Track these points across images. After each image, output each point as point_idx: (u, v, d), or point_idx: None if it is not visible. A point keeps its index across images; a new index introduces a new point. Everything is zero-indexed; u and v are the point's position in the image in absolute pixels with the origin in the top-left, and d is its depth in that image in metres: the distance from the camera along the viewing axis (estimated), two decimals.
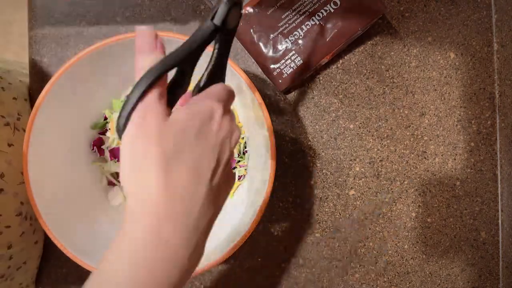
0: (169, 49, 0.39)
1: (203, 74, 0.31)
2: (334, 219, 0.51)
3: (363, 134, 0.51)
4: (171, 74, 0.27)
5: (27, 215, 0.43)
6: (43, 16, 0.50)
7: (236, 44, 0.50)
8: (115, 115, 0.47)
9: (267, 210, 0.51)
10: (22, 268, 0.44)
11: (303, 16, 0.47)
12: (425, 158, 0.51)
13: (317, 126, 0.51)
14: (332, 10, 0.47)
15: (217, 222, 0.46)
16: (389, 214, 0.51)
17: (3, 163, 0.40)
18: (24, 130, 0.44)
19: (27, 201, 0.43)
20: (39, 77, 0.50)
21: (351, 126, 0.51)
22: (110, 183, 0.49)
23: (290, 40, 0.47)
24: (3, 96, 0.44)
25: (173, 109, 0.27)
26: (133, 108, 0.25)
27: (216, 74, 0.31)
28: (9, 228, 0.40)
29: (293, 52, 0.47)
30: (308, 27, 0.47)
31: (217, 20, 0.28)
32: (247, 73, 0.49)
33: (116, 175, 0.49)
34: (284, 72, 0.48)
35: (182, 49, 0.27)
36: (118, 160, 0.48)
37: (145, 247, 0.24)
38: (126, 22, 0.50)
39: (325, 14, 0.47)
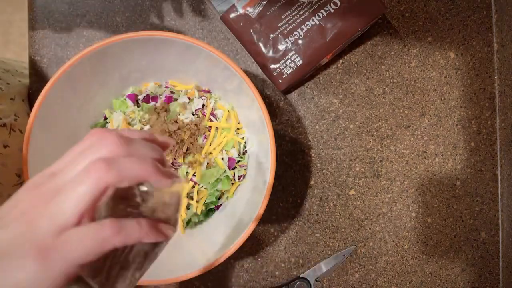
0: (169, 50, 0.39)
1: None
2: (334, 219, 0.51)
3: (363, 134, 0.51)
4: None
5: None
6: (43, 16, 0.50)
7: (236, 44, 0.51)
8: (115, 115, 0.47)
9: (267, 210, 0.51)
10: None
11: (303, 17, 0.47)
12: (425, 158, 0.51)
13: (317, 126, 0.51)
14: (332, 11, 0.47)
15: (217, 222, 0.46)
16: (389, 214, 0.51)
17: None
18: (21, 131, 0.44)
19: None
20: (39, 77, 0.50)
21: (351, 126, 0.51)
22: None
23: (290, 40, 0.47)
24: (0, 97, 0.44)
25: None
26: None
27: None
28: None
29: (293, 52, 0.47)
30: (308, 27, 0.47)
31: None
32: (247, 73, 0.49)
33: None
34: (284, 72, 0.48)
35: None
36: None
37: None
38: (127, 22, 0.50)
39: (325, 14, 0.47)
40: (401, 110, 0.51)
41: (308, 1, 0.47)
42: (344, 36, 0.47)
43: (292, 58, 0.47)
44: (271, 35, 0.47)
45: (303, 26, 0.47)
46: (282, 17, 0.47)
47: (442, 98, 0.51)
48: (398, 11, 0.51)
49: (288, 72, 0.47)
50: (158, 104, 0.46)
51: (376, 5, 0.47)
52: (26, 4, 0.51)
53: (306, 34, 0.47)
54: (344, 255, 0.50)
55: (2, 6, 1.25)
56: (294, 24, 0.47)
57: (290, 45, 0.47)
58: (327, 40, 0.47)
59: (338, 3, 0.47)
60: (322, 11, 0.47)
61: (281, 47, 0.47)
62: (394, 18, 0.51)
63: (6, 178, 0.41)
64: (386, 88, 0.51)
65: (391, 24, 0.51)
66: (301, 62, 0.47)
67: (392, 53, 0.51)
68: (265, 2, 0.47)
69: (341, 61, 0.51)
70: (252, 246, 0.51)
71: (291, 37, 0.47)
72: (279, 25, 0.47)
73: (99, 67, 0.41)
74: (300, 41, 0.47)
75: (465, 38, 0.51)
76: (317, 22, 0.47)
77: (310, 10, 0.47)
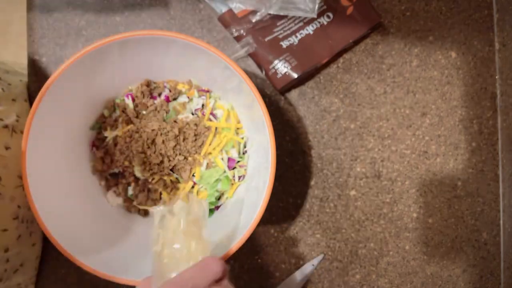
0: (168, 49, 0.39)
1: None
2: (335, 220, 0.51)
3: (364, 134, 0.51)
4: None
5: (23, 219, 0.43)
6: (42, 16, 0.50)
7: (236, 44, 0.50)
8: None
9: (267, 211, 0.50)
10: (20, 270, 0.44)
11: (297, 26, 0.48)
12: (426, 158, 0.51)
13: (317, 126, 0.51)
14: (325, 23, 0.48)
15: (217, 223, 0.46)
16: (390, 215, 0.51)
17: (0, 167, 0.40)
18: (22, 132, 0.44)
19: (24, 205, 0.42)
20: (38, 77, 0.50)
21: (352, 126, 0.51)
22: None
23: (285, 44, 0.48)
24: (2, 98, 0.43)
25: None
26: None
27: None
28: (6, 232, 0.40)
29: (288, 53, 0.47)
30: (302, 35, 0.48)
31: None
32: (247, 73, 0.49)
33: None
34: (279, 72, 0.47)
35: None
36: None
37: None
38: (126, 21, 0.50)
39: (318, 26, 0.48)
40: (402, 110, 0.51)
41: (298, 16, 0.47)
42: (337, 47, 0.48)
43: (287, 58, 0.47)
44: (266, 38, 0.47)
45: (297, 34, 0.48)
46: (278, 24, 0.48)
47: (443, 98, 0.51)
48: (399, 10, 0.51)
49: (283, 72, 0.47)
50: (157, 103, 0.46)
51: (370, 15, 0.48)
52: (25, 3, 0.50)
53: (301, 40, 0.48)
54: (313, 265, 0.50)
55: (1, 5, 1.25)
56: (288, 31, 0.48)
57: (285, 47, 0.47)
58: (320, 50, 0.48)
59: (331, 15, 0.48)
60: (316, 22, 0.48)
61: (277, 48, 0.47)
62: (395, 17, 0.51)
63: (9, 180, 0.41)
64: (387, 88, 0.51)
65: (392, 23, 0.51)
66: (295, 62, 0.47)
67: (393, 52, 0.51)
68: (259, 12, 0.47)
69: (341, 60, 0.51)
70: (252, 247, 0.51)
71: (286, 41, 0.48)
72: (274, 30, 0.48)
73: (98, 67, 0.41)
74: (294, 47, 0.48)
75: (466, 38, 0.51)
76: (311, 32, 0.48)
77: (305, 21, 0.48)
